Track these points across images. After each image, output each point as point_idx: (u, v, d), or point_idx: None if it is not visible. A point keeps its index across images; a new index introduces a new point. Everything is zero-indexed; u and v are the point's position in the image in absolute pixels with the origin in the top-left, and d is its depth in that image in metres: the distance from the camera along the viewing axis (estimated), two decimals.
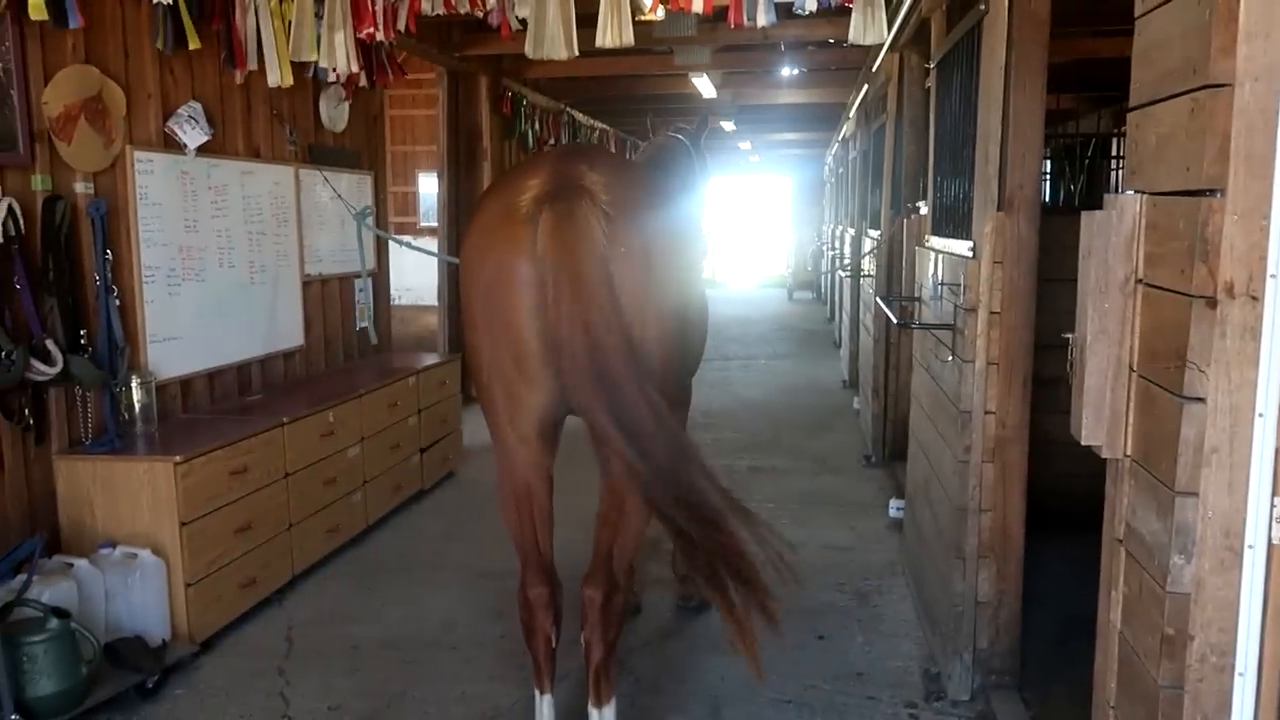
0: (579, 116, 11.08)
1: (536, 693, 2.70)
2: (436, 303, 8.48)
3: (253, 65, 4.34)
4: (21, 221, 3.29)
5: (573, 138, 10.81)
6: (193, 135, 4.19)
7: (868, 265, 7.24)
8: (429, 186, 11.43)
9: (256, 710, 3.30)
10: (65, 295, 3.49)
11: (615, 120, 12.80)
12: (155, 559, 3.44)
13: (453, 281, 8.52)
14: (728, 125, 12.73)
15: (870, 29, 4.51)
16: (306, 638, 3.84)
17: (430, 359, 6.14)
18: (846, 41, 4.60)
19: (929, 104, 4.97)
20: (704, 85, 9.13)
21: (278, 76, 4.42)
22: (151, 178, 4.00)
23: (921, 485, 4.01)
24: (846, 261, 10.32)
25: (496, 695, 3.37)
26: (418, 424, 5.55)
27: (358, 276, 5.90)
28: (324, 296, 5.50)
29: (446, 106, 8.20)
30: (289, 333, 5.12)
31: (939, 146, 4.08)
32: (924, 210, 4.92)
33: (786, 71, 9.57)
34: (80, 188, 3.63)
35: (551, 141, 10.09)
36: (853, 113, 10.03)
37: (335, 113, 5.45)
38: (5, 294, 3.24)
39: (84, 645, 3.04)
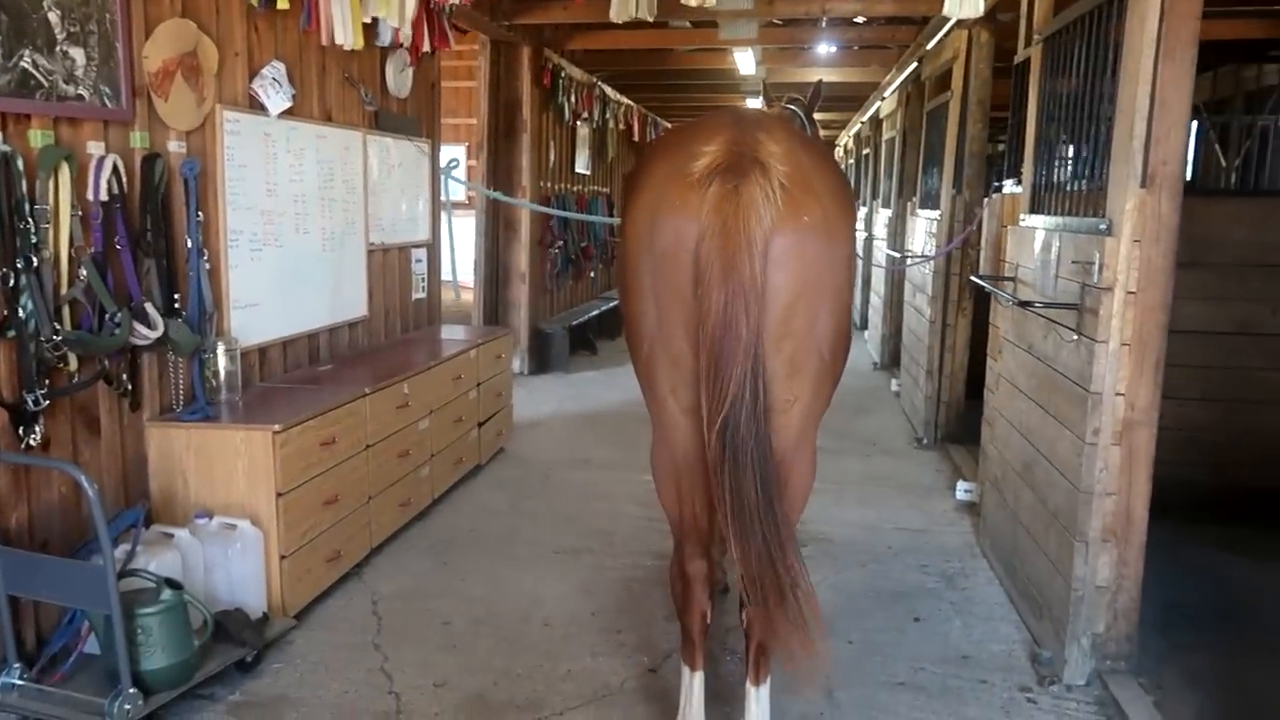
0: (609, 91, 10.93)
1: (686, 670, 2.63)
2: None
3: (327, 27, 4.21)
4: (124, 180, 3.17)
5: (604, 112, 10.65)
6: (276, 100, 4.06)
7: (923, 246, 7.16)
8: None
9: (360, 685, 3.22)
10: (161, 257, 3.37)
11: (640, 96, 12.62)
12: (255, 530, 3.35)
13: (489, 255, 8.42)
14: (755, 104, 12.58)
15: (967, 3, 4.43)
16: (394, 613, 3.76)
17: (480, 333, 6.07)
18: (944, 15, 4.52)
19: (1015, 81, 4.89)
20: (745, 61, 9.01)
21: (348, 37, 4.29)
22: (238, 138, 3.87)
23: (1018, 468, 3.95)
24: (878, 240, 10.25)
25: (604, 673, 3.31)
26: (477, 398, 5.46)
27: (415, 247, 5.80)
28: (384, 266, 5.39)
29: (488, 76, 8.06)
30: (354, 303, 5.01)
31: (1043, 123, 4.00)
32: (1011, 188, 4.85)
33: (824, 49, 9.44)
34: (173, 146, 3.51)
35: (585, 115, 9.93)
36: (889, 92, 9.93)
37: (400, 78, 5.32)
38: (108, 254, 3.13)
39: (194, 618, 2.96)
